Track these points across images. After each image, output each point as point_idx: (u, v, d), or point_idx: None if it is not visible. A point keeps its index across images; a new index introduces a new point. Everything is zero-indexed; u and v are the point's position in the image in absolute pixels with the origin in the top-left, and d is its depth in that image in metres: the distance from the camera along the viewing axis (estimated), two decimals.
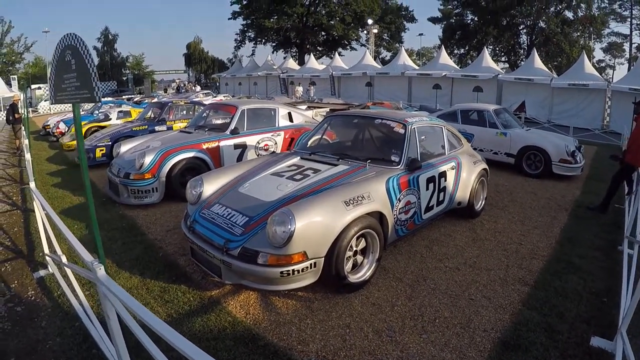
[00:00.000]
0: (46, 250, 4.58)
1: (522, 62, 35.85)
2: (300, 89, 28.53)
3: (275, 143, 8.08)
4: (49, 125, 16.62)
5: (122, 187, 6.62)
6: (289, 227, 3.34)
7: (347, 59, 42.11)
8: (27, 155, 6.99)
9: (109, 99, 23.26)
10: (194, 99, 17.56)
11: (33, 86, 36.65)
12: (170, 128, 10.74)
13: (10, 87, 34.29)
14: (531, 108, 20.20)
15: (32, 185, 4.87)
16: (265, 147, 7.90)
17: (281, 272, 3.43)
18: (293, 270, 3.45)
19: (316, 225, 3.48)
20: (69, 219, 6.13)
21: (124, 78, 56.63)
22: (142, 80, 55.58)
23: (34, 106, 32.98)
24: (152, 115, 11.65)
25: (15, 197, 7.90)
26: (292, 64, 39.33)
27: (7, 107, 13.79)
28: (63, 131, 14.36)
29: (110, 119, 14.00)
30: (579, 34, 41.78)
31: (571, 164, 8.50)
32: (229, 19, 49.85)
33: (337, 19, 46.20)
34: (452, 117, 9.87)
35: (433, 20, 49.86)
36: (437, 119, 6.03)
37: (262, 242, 3.51)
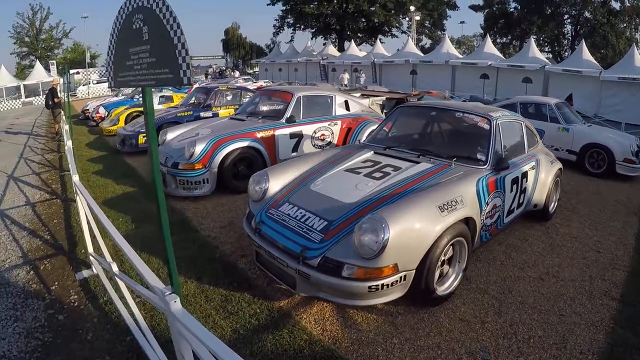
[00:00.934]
0: (90, 249, 4.18)
1: (566, 53, 34.56)
2: (346, 76, 27.07)
3: (332, 133, 7.59)
4: (88, 109, 16.60)
5: (170, 178, 6.27)
6: (382, 236, 2.88)
7: (387, 46, 40.85)
8: (69, 143, 6.60)
9: None
10: (237, 85, 17.17)
11: (72, 71, 36.91)
12: (216, 114, 10.36)
13: (49, 72, 34.78)
14: (578, 101, 19.19)
15: (76, 178, 4.39)
16: (322, 137, 7.44)
17: (369, 287, 2.99)
18: (382, 285, 3.02)
19: (410, 234, 3.03)
20: (113, 210, 5.84)
21: None
22: None
23: (73, 90, 33.31)
24: (196, 101, 11.26)
25: (55, 184, 7.70)
26: (332, 50, 38.16)
27: (47, 92, 13.67)
28: (103, 116, 14.24)
29: None
30: (625, 25, 40.07)
31: (635, 164, 7.92)
32: (267, 4, 49.27)
33: (378, 5, 44.94)
34: (510, 110, 9.28)
35: (474, 7, 48.74)
36: (516, 114, 5.52)
37: (347, 252, 3.07)
